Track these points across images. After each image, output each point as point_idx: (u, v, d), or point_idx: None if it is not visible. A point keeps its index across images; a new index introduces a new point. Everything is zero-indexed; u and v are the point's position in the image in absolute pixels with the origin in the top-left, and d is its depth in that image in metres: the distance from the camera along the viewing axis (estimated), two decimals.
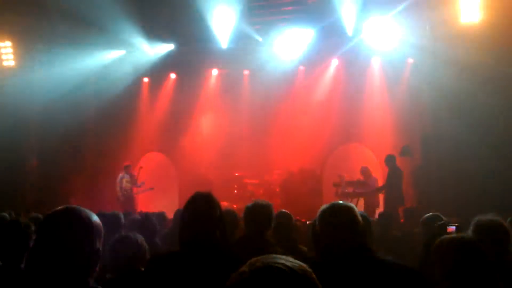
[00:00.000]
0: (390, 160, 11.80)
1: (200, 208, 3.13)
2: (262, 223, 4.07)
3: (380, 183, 12.67)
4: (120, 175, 14.40)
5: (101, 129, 15.95)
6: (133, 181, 14.36)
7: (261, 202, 4.24)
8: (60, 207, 2.11)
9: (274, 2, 14.27)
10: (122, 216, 6.00)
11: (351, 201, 12.10)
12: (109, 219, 5.37)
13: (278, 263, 1.40)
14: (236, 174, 15.25)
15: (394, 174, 11.62)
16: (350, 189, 12.64)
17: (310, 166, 14.57)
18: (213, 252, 3.02)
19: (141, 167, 14.81)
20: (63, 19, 12.75)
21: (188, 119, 15.92)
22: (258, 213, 4.09)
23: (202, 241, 3.05)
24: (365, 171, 12.53)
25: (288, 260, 1.42)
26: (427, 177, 12.44)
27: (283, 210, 5.44)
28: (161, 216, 7.83)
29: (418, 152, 13.00)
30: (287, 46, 14.21)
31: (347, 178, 12.87)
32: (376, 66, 14.64)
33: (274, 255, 1.44)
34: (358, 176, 12.85)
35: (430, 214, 5.37)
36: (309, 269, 1.42)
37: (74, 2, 12.00)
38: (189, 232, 3.09)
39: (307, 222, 8.32)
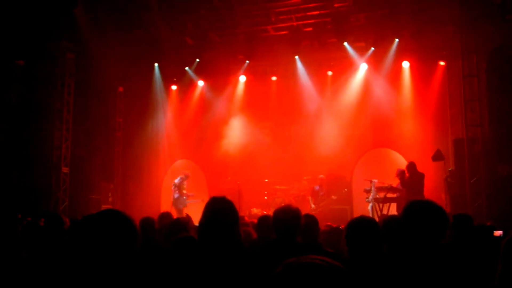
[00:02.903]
0: (410, 167, 11.69)
1: (217, 211, 3.31)
2: (292, 227, 4.07)
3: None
4: (177, 181, 14.54)
5: (130, 135, 16.14)
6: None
7: (290, 206, 4.25)
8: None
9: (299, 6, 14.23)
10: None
11: (382, 206, 12.02)
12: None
13: (315, 259, 1.44)
14: (266, 180, 15.24)
15: (415, 179, 11.48)
16: (381, 194, 12.47)
17: (339, 172, 14.48)
18: (230, 251, 3.14)
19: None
20: None
21: (217, 126, 15.98)
22: (288, 216, 4.09)
23: (219, 240, 3.18)
24: (401, 173, 12.31)
25: (323, 259, 1.46)
26: (460, 182, 12.23)
27: (309, 214, 5.42)
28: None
29: (450, 156, 12.80)
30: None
31: (377, 183, 12.71)
32: (406, 70, 14.47)
33: (309, 256, 1.48)
34: (389, 181, 12.67)
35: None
36: (343, 266, 1.47)
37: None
38: (207, 233, 3.24)
39: (339, 227, 8.25)
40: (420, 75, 14.10)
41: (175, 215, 13.18)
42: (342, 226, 8.63)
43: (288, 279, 1.40)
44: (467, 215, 5.36)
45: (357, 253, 3.26)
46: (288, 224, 4.07)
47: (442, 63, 13.74)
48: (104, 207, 13.43)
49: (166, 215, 7.07)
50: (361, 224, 3.38)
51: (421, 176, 11.55)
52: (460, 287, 2.59)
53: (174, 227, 5.25)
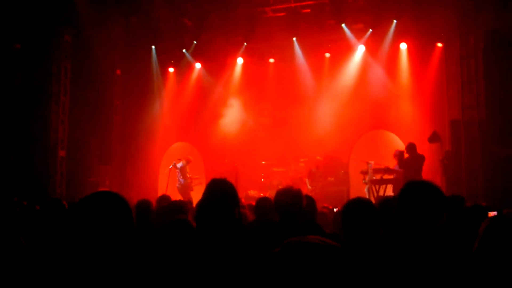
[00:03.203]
0: (410, 147, 11.67)
1: (218, 193, 3.39)
2: (294, 209, 4.09)
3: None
4: (181, 164, 14.62)
5: (127, 118, 16.13)
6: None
7: (292, 187, 4.27)
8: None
9: None
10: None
11: (379, 188, 12.08)
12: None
13: (315, 239, 1.47)
14: (263, 162, 15.28)
15: (414, 160, 11.49)
16: (377, 176, 12.52)
17: (336, 154, 14.52)
18: (230, 232, 3.15)
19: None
20: None
21: (214, 109, 15.98)
22: (290, 198, 4.11)
23: (219, 222, 3.18)
24: (399, 154, 12.32)
25: (322, 239, 1.49)
26: (457, 163, 12.27)
27: (308, 194, 5.45)
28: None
29: (447, 138, 12.82)
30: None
31: (374, 165, 12.74)
32: (403, 51, 14.43)
33: (308, 236, 1.51)
34: (385, 163, 12.71)
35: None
36: (341, 247, 1.49)
37: None
38: (206, 214, 3.24)
39: (334, 210, 8.31)
40: (418, 57, 14.06)
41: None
42: (339, 207, 8.71)
43: (287, 258, 1.43)
44: (460, 196, 5.39)
45: (354, 234, 3.24)
46: (290, 205, 4.10)
47: (439, 44, 13.69)
48: (101, 190, 13.45)
49: (164, 198, 7.11)
50: (358, 205, 3.36)
51: (421, 157, 11.53)
52: (452, 268, 2.61)
53: (171, 209, 5.27)
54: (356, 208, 3.34)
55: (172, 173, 14.73)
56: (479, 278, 2.56)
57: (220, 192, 3.32)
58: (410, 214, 2.78)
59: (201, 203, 3.42)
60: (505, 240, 2.63)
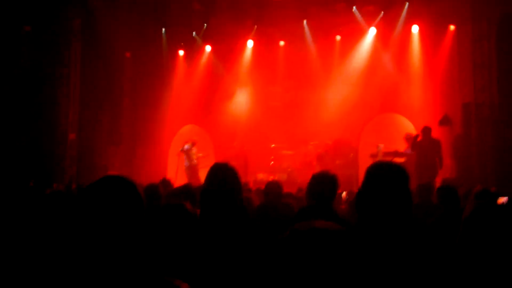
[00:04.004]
0: (426, 131, 11.55)
1: (219, 177, 3.31)
2: (328, 194, 4.06)
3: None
4: (186, 147, 14.72)
5: (137, 101, 16.17)
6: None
7: (328, 172, 4.22)
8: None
9: None
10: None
11: None
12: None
13: (322, 224, 1.48)
14: (272, 145, 15.27)
15: (429, 143, 11.39)
16: (388, 159, 12.45)
17: (346, 137, 14.47)
18: (232, 218, 3.15)
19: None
20: None
21: (224, 92, 15.97)
22: (325, 183, 4.07)
23: (221, 207, 3.19)
24: (410, 138, 12.25)
25: (331, 224, 1.49)
26: (467, 147, 12.19)
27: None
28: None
29: (458, 121, 12.73)
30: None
31: (384, 148, 12.69)
32: (415, 34, 14.28)
33: (318, 221, 1.51)
34: (396, 146, 12.65)
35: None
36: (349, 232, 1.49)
37: None
38: (208, 200, 3.25)
39: (342, 193, 8.31)
40: (430, 40, 13.92)
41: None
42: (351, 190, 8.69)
43: (295, 243, 1.44)
44: (450, 186, 5.23)
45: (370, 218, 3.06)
46: (327, 190, 4.07)
47: (452, 27, 13.53)
48: (110, 172, 13.52)
49: (165, 182, 7.09)
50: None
51: (437, 142, 11.40)
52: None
53: (177, 193, 5.23)
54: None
55: (181, 156, 14.80)
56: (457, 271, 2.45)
57: (220, 177, 3.30)
58: (374, 197, 2.62)
59: (202, 189, 3.42)
60: (487, 228, 2.44)
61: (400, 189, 2.63)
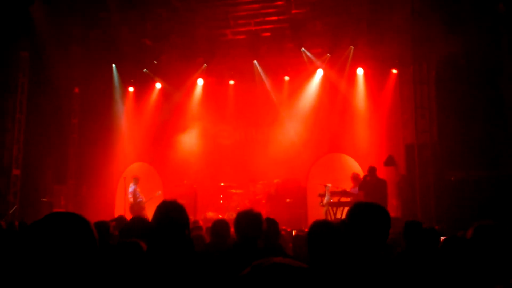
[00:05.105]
0: (371, 170, 11.90)
1: (167, 214, 3.33)
2: (255, 231, 4.12)
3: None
4: (132, 185, 14.43)
5: (85, 137, 15.88)
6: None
7: (252, 210, 4.30)
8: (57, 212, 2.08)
9: (258, 11, 14.28)
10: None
11: (336, 211, 12.24)
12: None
13: (281, 260, 1.47)
14: (222, 184, 15.26)
15: (375, 183, 11.71)
16: (335, 199, 12.69)
17: (294, 176, 14.65)
18: (180, 253, 3.17)
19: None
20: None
21: (174, 129, 15.92)
22: (250, 221, 4.13)
23: (168, 243, 3.21)
24: (356, 177, 12.55)
25: (291, 261, 1.49)
26: (411, 187, 12.54)
27: (269, 217, 5.48)
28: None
29: (402, 162, 13.11)
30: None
31: (332, 188, 12.92)
32: (360, 76, 14.78)
33: (276, 257, 1.51)
34: (343, 185, 12.90)
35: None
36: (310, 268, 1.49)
37: None
38: (156, 236, 3.26)
39: (293, 232, 8.37)
40: (374, 82, 14.46)
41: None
42: (306, 230, 8.76)
43: (257, 279, 1.43)
44: (416, 221, 5.51)
45: (320, 256, 3.24)
46: (251, 228, 4.13)
47: (394, 70, 14.11)
48: (56, 210, 13.16)
49: (121, 219, 6.97)
50: (325, 228, 3.39)
51: (383, 181, 11.75)
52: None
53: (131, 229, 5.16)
54: (323, 230, 3.37)
55: (127, 194, 14.54)
56: None
57: (169, 214, 3.34)
58: (358, 233, 2.85)
59: (150, 225, 3.44)
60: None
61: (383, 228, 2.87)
